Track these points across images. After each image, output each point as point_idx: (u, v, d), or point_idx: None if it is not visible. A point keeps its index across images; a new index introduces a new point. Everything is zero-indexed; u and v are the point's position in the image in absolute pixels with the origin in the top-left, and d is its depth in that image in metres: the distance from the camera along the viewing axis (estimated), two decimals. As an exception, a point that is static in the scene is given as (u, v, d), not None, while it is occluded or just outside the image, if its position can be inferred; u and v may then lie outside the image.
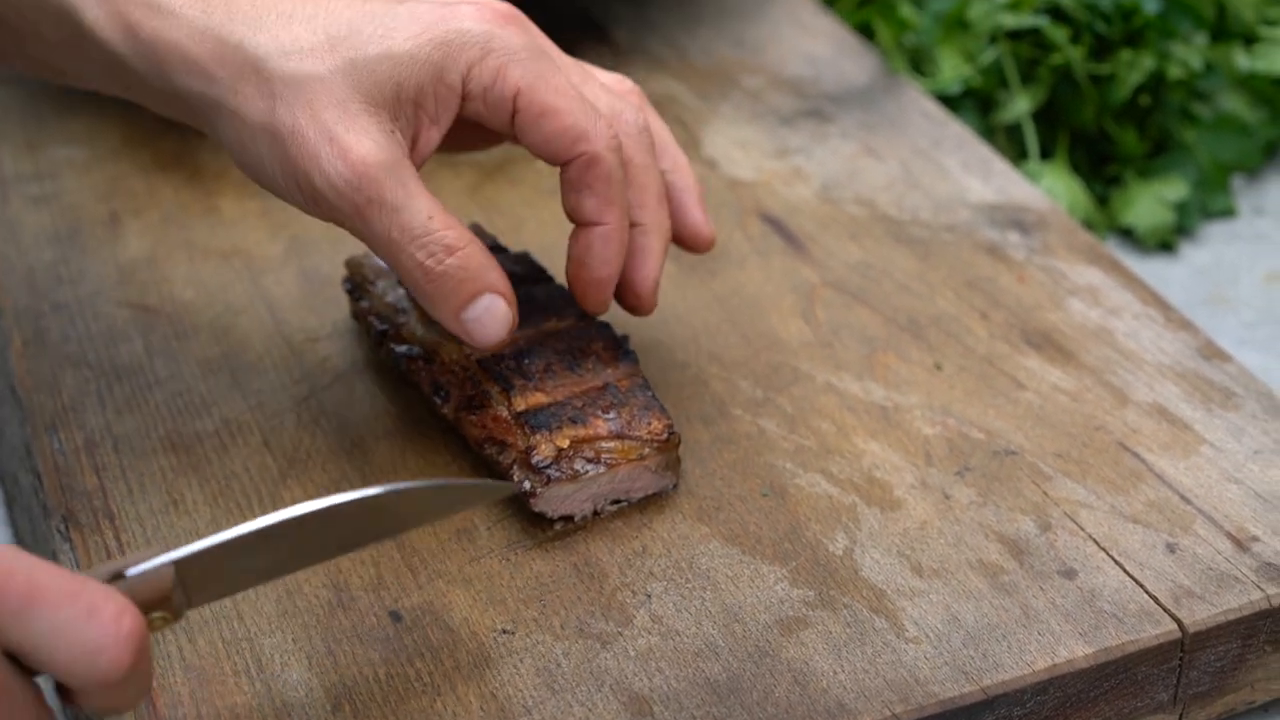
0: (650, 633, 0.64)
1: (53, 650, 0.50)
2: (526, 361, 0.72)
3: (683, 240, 0.73)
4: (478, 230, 0.80)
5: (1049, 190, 0.98)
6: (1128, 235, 1.01)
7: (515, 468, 0.68)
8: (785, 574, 0.67)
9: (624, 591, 0.66)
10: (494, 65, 0.65)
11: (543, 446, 0.68)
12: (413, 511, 0.60)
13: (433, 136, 0.67)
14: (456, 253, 0.65)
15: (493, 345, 0.68)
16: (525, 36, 0.66)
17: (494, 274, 0.66)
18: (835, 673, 0.62)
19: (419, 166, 0.67)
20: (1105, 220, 1.02)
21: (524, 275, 0.77)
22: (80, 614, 0.50)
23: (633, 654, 0.63)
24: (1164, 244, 1.00)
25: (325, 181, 0.64)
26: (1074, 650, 0.63)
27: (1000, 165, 0.94)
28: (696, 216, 0.73)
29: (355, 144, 0.64)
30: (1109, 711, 0.65)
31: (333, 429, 0.74)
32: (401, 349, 0.74)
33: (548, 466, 0.68)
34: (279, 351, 0.79)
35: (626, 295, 0.72)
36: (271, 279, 0.83)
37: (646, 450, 0.69)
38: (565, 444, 0.68)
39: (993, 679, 0.62)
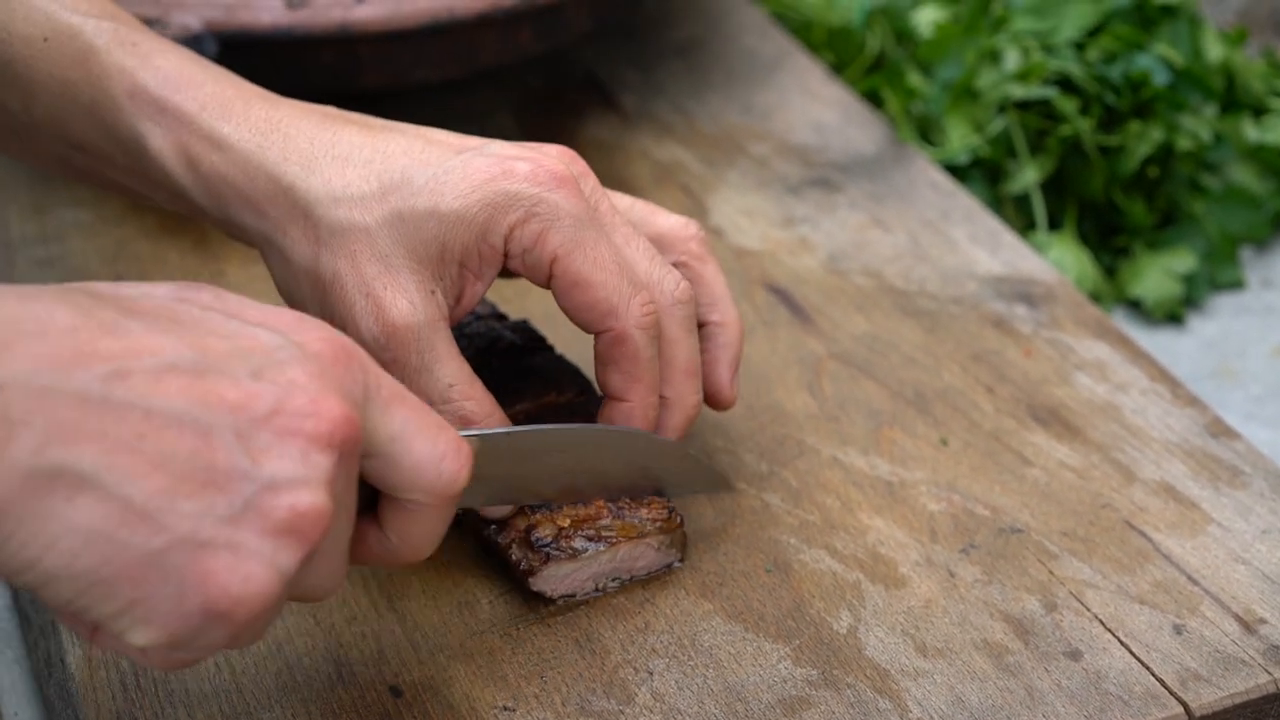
0: (652, 711, 0.64)
1: (409, 446, 0.55)
2: None
3: (704, 394, 0.72)
4: (497, 315, 0.80)
5: (1057, 261, 0.98)
6: (1136, 307, 1.02)
7: (514, 547, 0.68)
8: (788, 652, 0.67)
9: (626, 669, 0.66)
10: (535, 230, 0.65)
11: (543, 525, 0.68)
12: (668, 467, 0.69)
13: (477, 291, 0.68)
14: (469, 426, 0.66)
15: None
16: (574, 201, 0.66)
17: None
18: None
19: (461, 318, 0.67)
20: (1113, 291, 1.02)
21: (523, 345, 0.76)
22: (434, 424, 0.56)
23: None
24: (1172, 316, 1.01)
25: (357, 335, 0.65)
26: None
27: (1008, 237, 0.94)
28: (721, 379, 0.72)
29: (391, 304, 0.65)
30: None
31: None
32: None
33: (547, 545, 0.67)
34: None
35: None
36: None
37: (648, 528, 0.69)
38: (566, 523, 0.68)
39: None
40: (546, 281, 0.67)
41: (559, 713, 0.64)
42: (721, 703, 0.64)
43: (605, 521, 0.69)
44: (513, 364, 0.75)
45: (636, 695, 0.64)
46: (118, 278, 0.90)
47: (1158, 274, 0.99)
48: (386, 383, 0.56)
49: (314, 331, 0.54)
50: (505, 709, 0.64)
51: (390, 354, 0.65)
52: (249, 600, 0.50)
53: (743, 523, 0.73)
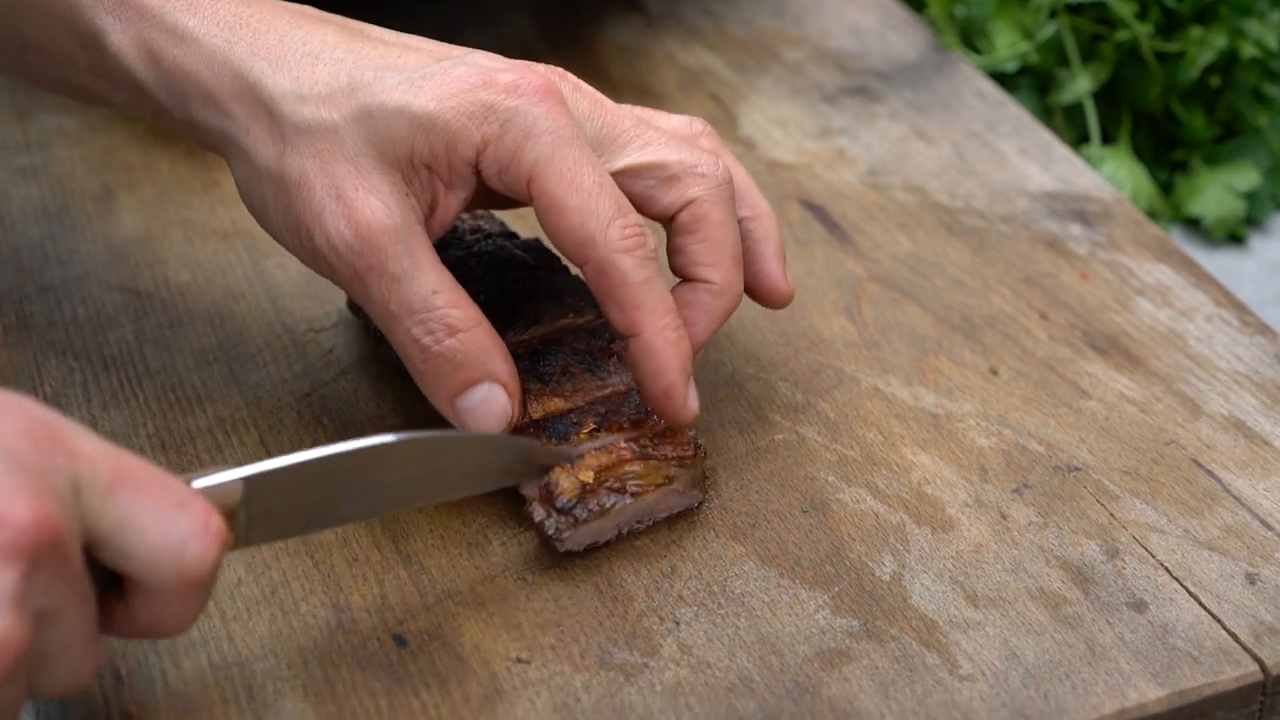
0: (679, 665, 0.60)
1: (140, 533, 0.50)
2: (542, 364, 0.66)
3: (757, 295, 0.68)
4: (484, 215, 0.75)
5: (1110, 177, 0.94)
6: (1193, 226, 0.98)
7: (536, 507, 0.63)
8: (827, 600, 0.62)
9: (650, 617, 0.61)
10: (511, 146, 0.61)
11: (564, 483, 0.62)
12: (476, 469, 0.61)
13: (452, 203, 0.63)
14: (458, 334, 0.62)
15: None
16: (556, 116, 0.61)
17: (497, 361, 0.62)
18: (882, 714, 0.58)
19: (438, 234, 0.63)
20: (1170, 209, 0.98)
21: (535, 264, 0.71)
22: (171, 503, 0.51)
23: (659, 689, 0.59)
24: (1233, 236, 0.97)
25: (326, 241, 0.61)
26: (1145, 693, 0.59)
27: (1061, 150, 0.89)
28: (774, 271, 0.68)
29: (363, 205, 0.61)
30: None
31: (335, 429, 0.70)
32: None
33: (573, 507, 0.62)
34: (280, 342, 0.75)
35: None
36: (273, 263, 0.79)
37: (673, 470, 0.64)
38: (590, 478, 0.63)
39: None
40: (529, 201, 0.63)
41: (577, 665, 0.59)
42: (754, 655, 0.60)
43: (631, 468, 0.63)
44: (525, 286, 0.70)
45: (662, 647, 0.60)
46: (104, 189, 0.85)
47: (1218, 191, 0.96)
48: (105, 465, 0.50)
49: (8, 417, 0.49)
50: (519, 661, 0.60)
51: (365, 260, 0.61)
52: None
53: (776, 458, 0.69)
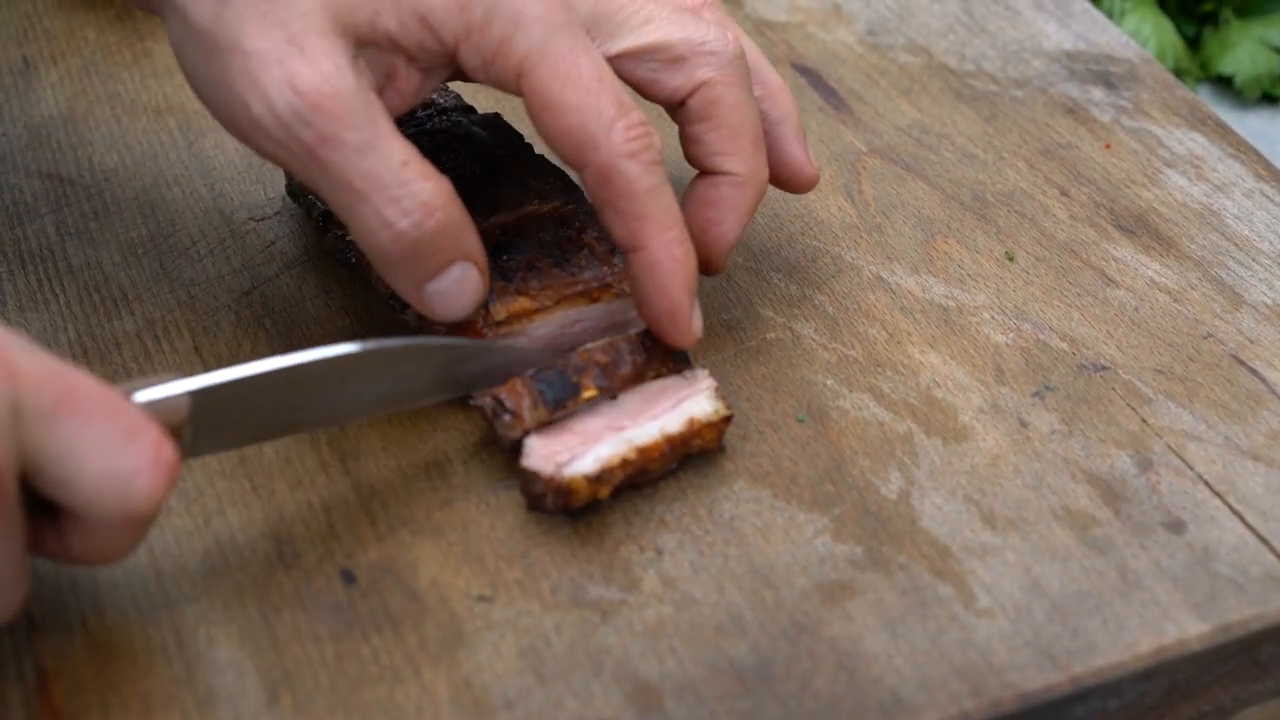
0: (661, 601, 0.56)
1: (82, 464, 0.48)
2: (506, 258, 0.62)
3: (779, 180, 0.65)
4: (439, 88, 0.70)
5: (1133, 32, 0.94)
6: (1224, 85, 0.98)
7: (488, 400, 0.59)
8: (827, 524, 0.58)
9: (628, 546, 0.58)
10: (497, 36, 0.57)
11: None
12: (440, 379, 0.59)
13: (412, 82, 0.58)
14: (435, 213, 0.56)
15: (456, 320, 0.60)
16: (547, 3, 0.58)
17: (470, 236, 0.58)
18: (890, 655, 0.54)
19: (399, 112, 0.58)
20: (1197, 67, 0.97)
21: (495, 143, 0.67)
22: (118, 432, 0.48)
23: (639, 629, 0.55)
24: (1267, 95, 0.96)
25: (269, 110, 0.55)
26: (1185, 627, 0.55)
27: (1080, 3, 0.87)
28: (796, 153, 0.65)
29: (307, 68, 0.55)
30: (1224, 697, 0.57)
31: (279, 331, 0.66)
32: (351, 237, 0.62)
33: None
34: (216, 234, 0.71)
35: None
36: (210, 142, 0.75)
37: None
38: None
39: (1085, 665, 0.54)
40: (520, 95, 0.59)
41: (547, 603, 0.55)
42: (746, 589, 0.56)
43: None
44: (484, 167, 0.65)
45: (642, 581, 0.56)
46: (24, 60, 0.81)
47: (1251, 45, 0.96)
48: (49, 387, 0.48)
49: None
50: (481, 599, 0.56)
51: (318, 130, 0.55)
52: None
53: (768, 360, 0.65)
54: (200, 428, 0.53)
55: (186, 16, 0.57)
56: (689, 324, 0.59)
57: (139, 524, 0.50)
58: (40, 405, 0.47)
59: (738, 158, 0.61)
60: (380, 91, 0.58)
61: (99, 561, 0.52)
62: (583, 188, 0.59)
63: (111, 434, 0.48)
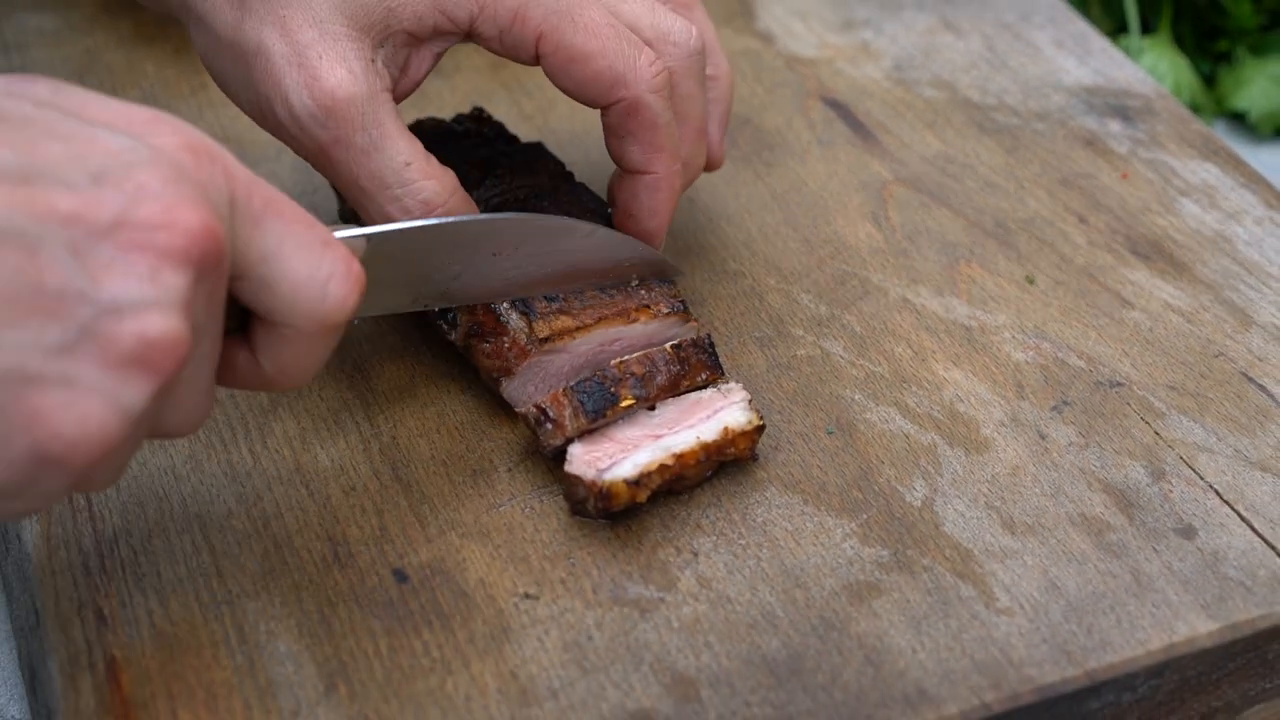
0: (697, 599, 0.57)
1: (286, 265, 0.49)
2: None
3: None
4: (479, 117, 0.72)
5: (1150, 69, 0.93)
6: (1238, 120, 0.97)
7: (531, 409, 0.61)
8: (855, 529, 0.60)
9: (666, 548, 0.59)
10: (511, 6, 0.59)
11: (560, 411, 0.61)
12: (591, 263, 0.63)
13: (424, 64, 0.61)
14: (435, 210, 0.60)
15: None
16: None
17: None
18: (914, 650, 0.55)
19: (406, 95, 0.61)
20: (1212, 103, 0.96)
21: (536, 171, 0.69)
22: (317, 240, 0.50)
23: (676, 625, 0.56)
24: (1279, 131, 0.95)
25: (289, 113, 0.58)
26: (1195, 626, 0.56)
27: (1099, 42, 0.87)
28: (713, 136, 0.67)
29: (326, 73, 0.58)
30: (1232, 694, 0.59)
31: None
32: None
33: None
34: None
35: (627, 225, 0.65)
36: (265, 170, 0.77)
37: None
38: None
39: (1099, 660, 0.55)
40: (534, 60, 0.61)
41: (589, 601, 0.57)
42: (778, 589, 0.57)
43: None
44: (527, 194, 0.67)
45: (679, 580, 0.58)
46: None
47: (1264, 82, 0.94)
48: (259, 191, 0.49)
49: (170, 131, 0.47)
50: (527, 596, 0.57)
51: (331, 133, 0.58)
52: (86, 444, 0.44)
53: (799, 376, 0.66)
54: (369, 279, 0.54)
55: (211, 26, 0.60)
56: (662, 239, 0.64)
57: (330, 331, 0.51)
58: (251, 207, 0.49)
59: (665, 152, 0.64)
60: (395, 82, 0.60)
61: (288, 380, 0.52)
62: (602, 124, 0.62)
63: (312, 240, 0.50)
